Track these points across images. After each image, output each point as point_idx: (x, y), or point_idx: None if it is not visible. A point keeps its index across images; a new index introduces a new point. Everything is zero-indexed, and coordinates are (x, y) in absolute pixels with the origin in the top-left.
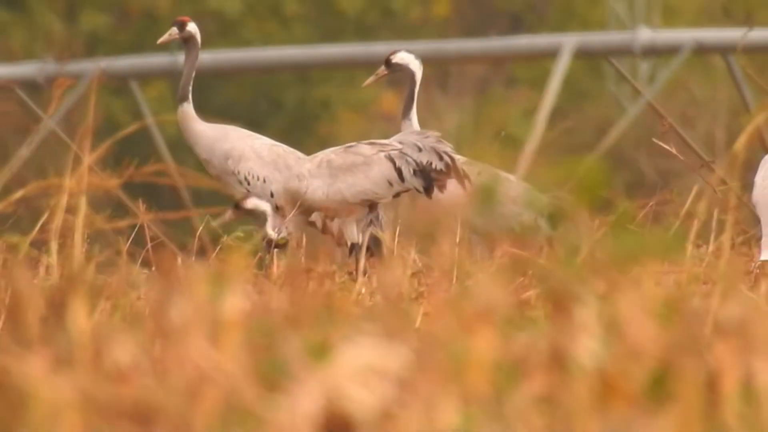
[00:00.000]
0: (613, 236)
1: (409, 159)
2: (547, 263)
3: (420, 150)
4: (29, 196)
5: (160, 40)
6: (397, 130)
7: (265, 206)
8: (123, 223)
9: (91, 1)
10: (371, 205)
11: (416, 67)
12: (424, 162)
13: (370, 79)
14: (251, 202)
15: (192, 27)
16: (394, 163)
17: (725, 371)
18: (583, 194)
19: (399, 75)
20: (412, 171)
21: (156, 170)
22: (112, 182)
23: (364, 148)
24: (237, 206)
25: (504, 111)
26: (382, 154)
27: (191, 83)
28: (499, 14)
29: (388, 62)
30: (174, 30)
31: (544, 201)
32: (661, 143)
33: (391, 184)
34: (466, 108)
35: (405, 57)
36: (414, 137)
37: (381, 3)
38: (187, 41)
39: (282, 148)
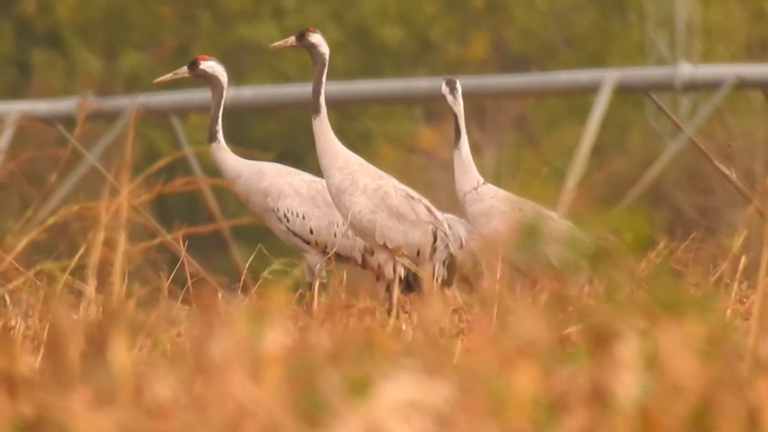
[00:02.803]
0: (652, 286)
1: (447, 248)
2: (589, 300)
3: (461, 246)
4: (68, 229)
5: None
6: (437, 165)
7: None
8: (162, 258)
9: (129, 39)
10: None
11: (451, 101)
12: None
13: (424, 92)
14: (208, 65)
15: (207, 65)
16: (434, 240)
17: (766, 407)
18: (628, 242)
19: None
20: (442, 258)
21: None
22: (144, 200)
23: (422, 211)
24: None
25: (547, 146)
26: (431, 227)
27: (218, 122)
28: (532, 56)
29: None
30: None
31: (585, 239)
32: (719, 168)
33: (417, 253)
34: (506, 144)
35: (444, 88)
36: (464, 231)
37: (419, 35)
38: (208, 80)
39: (321, 184)
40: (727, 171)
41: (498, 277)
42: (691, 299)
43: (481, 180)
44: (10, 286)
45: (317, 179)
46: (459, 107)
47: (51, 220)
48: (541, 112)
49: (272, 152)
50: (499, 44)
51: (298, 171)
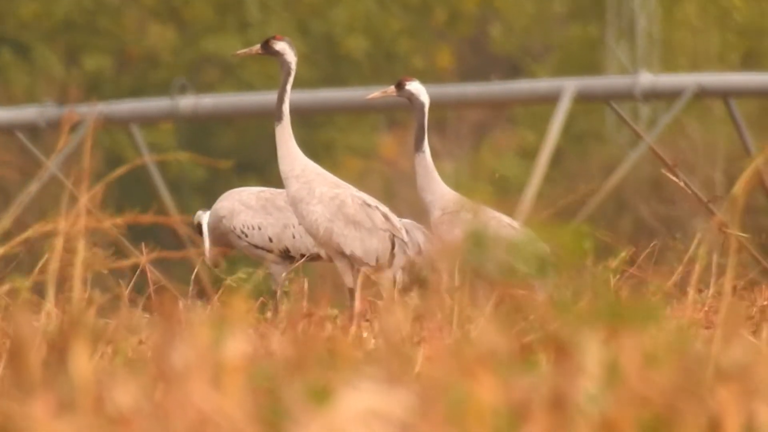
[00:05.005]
0: (591, 302)
1: (406, 254)
2: (548, 309)
3: (419, 253)
4: (31, 240)
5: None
6: (399, 173)
7: (287, 51)
8: (124, 265)
9: (92, 44)
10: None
11: (426, 99)
12: (417, 264)
13: (377, 94)
14: (280, 45)
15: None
16: (392, 247)
17: (727, 415)
18: (566, 257)
19: (402, 105)
20: (401, 264)
21: (157, 214)
22: (111, 223)
23: (378, 218)
24: (266, 45)
25: (499, 155)
26: (388, 234)
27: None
28: (498, 62)
29: (400, 85)
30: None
31: (542, 248)
32: (671, 177)
33: (377, 259)
34: (464, 153)
35: (418, 87)
36: (422, 236)
37: (385, 47)
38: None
39: (269, 192)
40: (682, 180)
41: (457, 284)
42: (641, 308)
43: (446, 187)
44: None
45: (264, 189)
46: (426, 103)
47: (26, 235)
48: (529, 119)
49: (231, 161)
50: (462, 56)
51: (242, 188)
